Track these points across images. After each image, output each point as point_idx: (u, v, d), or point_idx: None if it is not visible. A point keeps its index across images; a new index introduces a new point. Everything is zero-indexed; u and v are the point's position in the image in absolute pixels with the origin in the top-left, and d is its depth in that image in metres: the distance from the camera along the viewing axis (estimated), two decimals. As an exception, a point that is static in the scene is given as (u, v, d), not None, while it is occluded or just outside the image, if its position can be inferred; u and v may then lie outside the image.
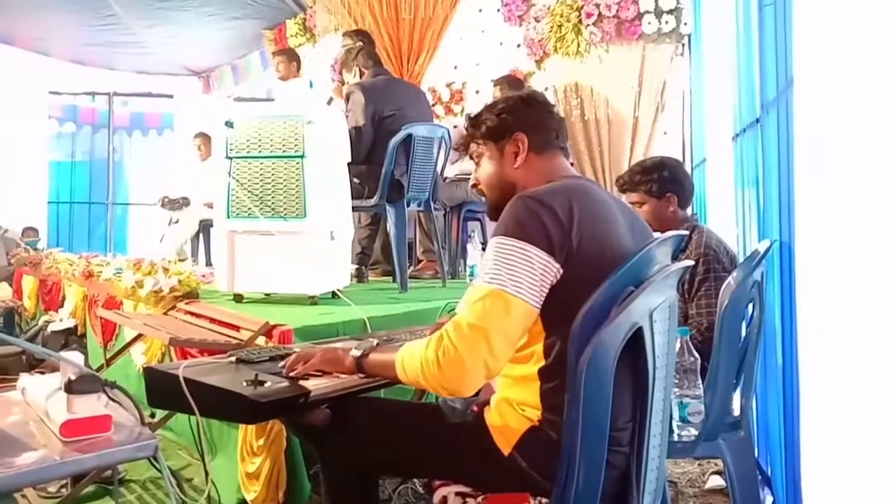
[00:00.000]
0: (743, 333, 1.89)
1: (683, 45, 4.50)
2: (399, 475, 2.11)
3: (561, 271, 1.25)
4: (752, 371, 1.91)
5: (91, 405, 1.10)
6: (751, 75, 2.38)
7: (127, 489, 2.39)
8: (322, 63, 6.57)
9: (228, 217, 2.74)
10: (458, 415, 1.48)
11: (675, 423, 1.83)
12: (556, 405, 1.25)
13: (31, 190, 7.94)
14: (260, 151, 2.69)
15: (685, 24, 4.41)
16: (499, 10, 5.27)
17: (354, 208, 3.27)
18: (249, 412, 1.35)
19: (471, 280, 3.36)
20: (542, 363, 1.30)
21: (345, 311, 2.51)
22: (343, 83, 4.12)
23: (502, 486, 1.34)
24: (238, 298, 2.81)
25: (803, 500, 1.78)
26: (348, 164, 3.11)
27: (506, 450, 1.32)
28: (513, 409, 1.35)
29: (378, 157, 3.43)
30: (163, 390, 1.45)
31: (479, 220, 4.84)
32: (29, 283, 5.23)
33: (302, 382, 1.43)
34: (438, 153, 3.69)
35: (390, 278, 4.03)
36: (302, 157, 2.66)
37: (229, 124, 2.71)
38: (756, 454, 2.24)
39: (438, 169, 3.78)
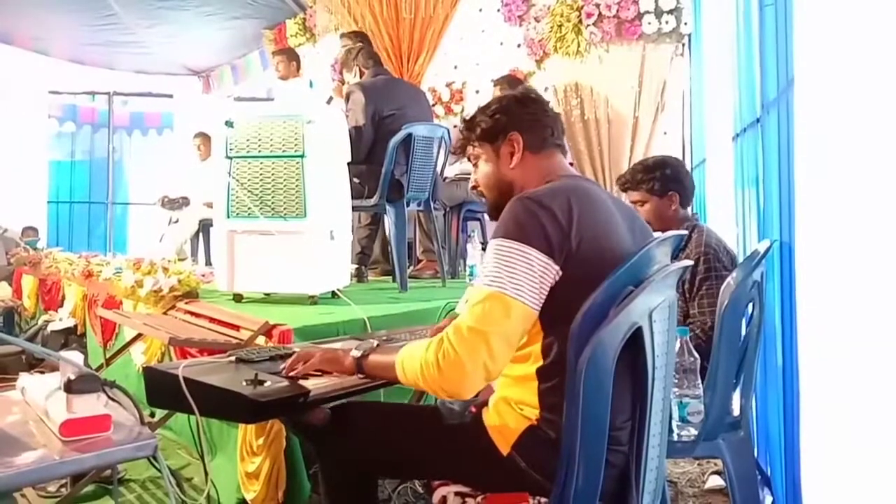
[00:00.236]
0: (743, 333, 1.89)
1: (683, 45, 4.50)
2: (398, 476, 2.11)
3: (560, 273, 1.25)
4: (751, 371, 1.91)
5: (90, 405, 1.10)
6: (751, 75, 2.38)
7: (126, 489, 2.39)
8: (322, 63, 6.57)
9: (228, 217, 2.74)
10: (457, 416, 1.48)
11: (674, 423, 1.83)
12: (555, 404, 1.25)
13: (30, 189, 7.94)
14: (260, 151, 2.69)
15: (685, 24, 4.40)
16: (499, 10, 5.27)
17: (354, 208, 3.27)
18: (249, 412, 1.35)
19: (470, 280, 3.36)
20: (541, 363, 1.31)
21: (344, 311, 2.51)
22: (343, 83, 4.12)
23: (501, 485, 1.35)
24: (238, 298, 2.81)
25: (803, 500, 1.78)
26: (348, 163, 3.11)
27: (504, 449, 1.32)
28: (511, 408, 1.35)
29: (378, 157, 3.43)
30: (162, 390, 1.45)
31: (478, 219, 4.84)
32: (28, 283, 5.23)
33: (301, 382, 1.43)
34: (438, 153, 3.69)
35: (390, 278, 4.03)
36: (302, 156, 2.65)
37: (229, 124, 2.71)
38: (756, 454, 2.24)
39: (438, 169, 3.78)
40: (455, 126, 4.56)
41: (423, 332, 2.03)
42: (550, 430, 1.28)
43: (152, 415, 2.41)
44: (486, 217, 4.66)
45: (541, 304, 1.25)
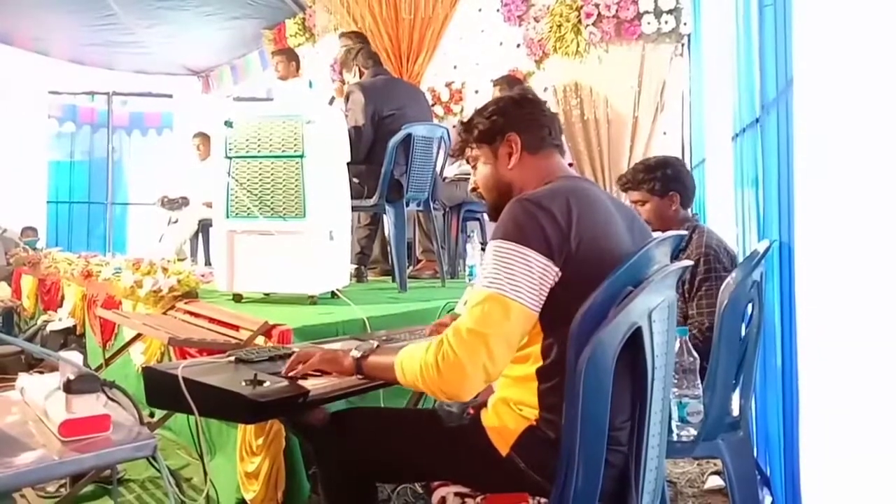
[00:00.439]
0: (742, 333, 1.89)
1: (683, 45, 4.50)
2: (398, 481, 2.11)
3: (560, 274, 1.25)
4: (751, 371, 1.91)
5: (90, 405, 1.10)
6: (750, 75, 2.38)
7: (126, 489, 2.39)
8: (321, 63, 6.57)
9: (228, 217, 2.74)
10: (455, 418, 1.48)
11: (674, 423, 1.83)
12: (554, 404, 1.25)
13: (30, 189, 7.93)
14: (259, 151, 2.69)
15: (685, 24, 4.40)
16: (498, 10, 5.27)
17: (354, 208, 3.27)
18: (248, 412, 1.35)
19: (470, 280, 3.36)
20: (540, 363, 1.31)
21: (344, 311, 2.51)
22: (344, 83, 4.12)
23: (501, 486, 1.35)
24: (237, 298, 2.81)
25: (802, 501, 1.78)
26: (348, 163, 3.11)
27: (503, 450, 1.32)
28: (510, 409, 1.35)
29: (377, 157, 3.43)
30: (162, 390, 1.45)
31: (478, 219, 4.84)
32: (28, 283, 5.23)
33: (301, 382, 1.43)
34: (438, 153, 3.69)
35: (389, 278, 4.03)
36: (301, 156, 2.65)
37: (228, 124, 2.71)
38: (755, 454, 2.24)
39: (438, 169, 3.78)
40: (454, 126, 4.57)
41: (422, 332, 2.03)
42: (549, 430, 1.28)
43: (151, 415, 2.41)
44: (486, 217, 4.67)
45: (540, 306, 1.25)
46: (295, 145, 2.66)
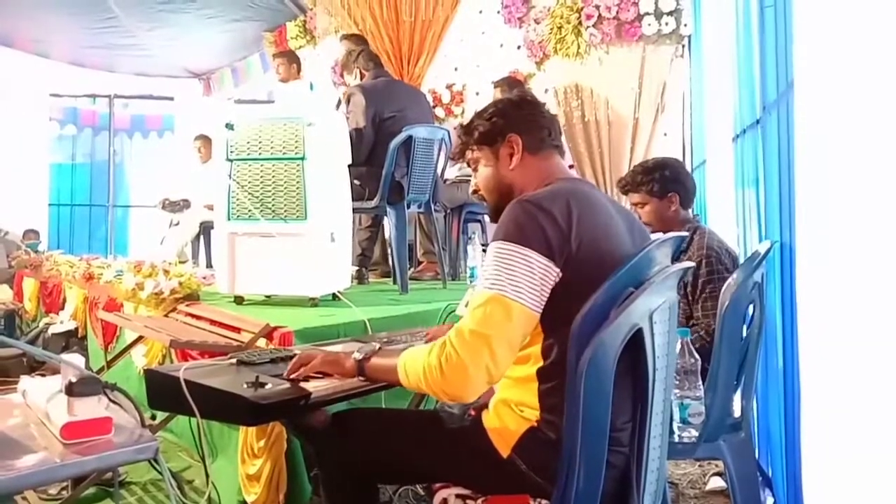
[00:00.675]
0: (743, 334, 1.89)
1: (683, 46, 4.50)
2: (399, 482, 2.11)
3: (560, 275, 1.25)
4: (752, 372, 1.91)
5: (92, 407, 1.10)
6: (751, 76, 2.38)
7: (127, 491, 2.39)
8: (322, 65, 6.58)
9: (229, 219, 2.74)
10: (456, 420, 1.48)
11: (675, 425, 1.83)
12: (555, 405, 1.25)
13: (31, 192, 7.94)
14: (260, 153, 2.69)
15: (685, 25, 4.40)
16: (499, 12, 5.27)
17: (355, 210, 3.27)
18: (250, 414, 1.35)
19: (471, 281, 3.36)
20: (541, 364, 1.31)
21: (345, 313, 2.51)
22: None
23: (502, 487, 1.35)
24: (238, 300, 2.81)
25: (804, 502, 1.78)
26: (349, 165, 3.12)
27: (504, 452, 1.32)
28: (511, 410, 1.35)
29: (378, 159, 3.43)
30: (163, 392, 1.45)
31: (479, 221, 4.84)
32: (30, 286, 5.24)
33: (302, 384, 1.43)
34: (439, 155, 3.69)
35: (390, 280, 4.03)
36: (302, 159, 2.66)
37: (230, 126, 2.71)
38: (757, 455, 2.23)
39: (439, 170, 3.78)
40: (455, 128, 4.57)
41: (424, 334, 2.03)
42: (550, 431, 1.28)
43: (153, 417, 2.41)
44: (487, 218, 4.67)
45: (542, 307, 1.25)
46: (296, 147, 2.66)
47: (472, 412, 1.48)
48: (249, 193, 2.70)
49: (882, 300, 1.20)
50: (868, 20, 1.26)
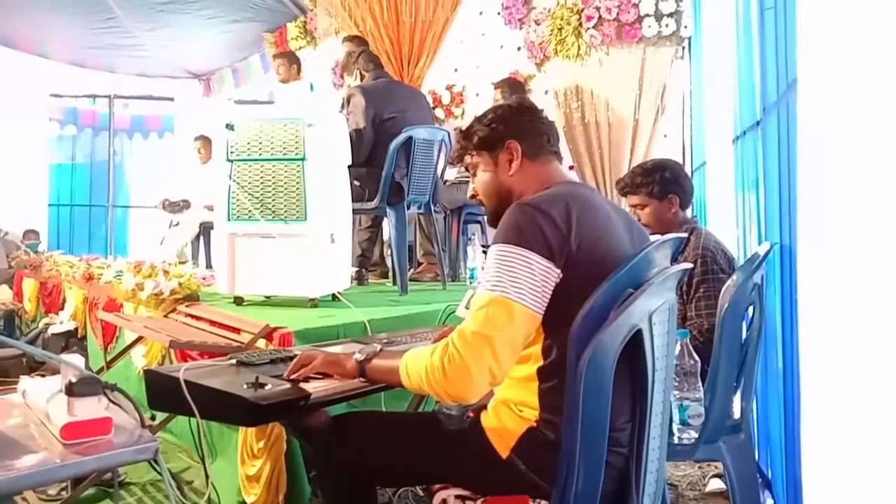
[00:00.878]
0: (743, 336, 1.89)
1: (683, 48, 4.51)
2: (399, 484, 2.11)
3: (561, 275, 1.26)
4: (752, 374, 1.91)
5: (91, 408, 1.10)
6: (751, 78, 2.38)
7: (127, 492, 2.39)
8: (322, 66, 6.58)
9: (229, 220, 2.74)
10: (455, 421, 1.48)
11: (675, 426, 1.83)
12: (554, 405, 1.25)
13: (31, 192, 7.94)
14: (260, 154, 2.70)
15: (685, 27, 4.41)
16: (499, 13, 5.28)
17: (355, 211, 3.27)
18: (249, 414, 1.35)
19: (471, 283, 3.36)
20: (541, 363, 1.31)
21: (345, 314, 2.51)
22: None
23: (501, 488, 1.35)
24: (238, 301, 2.81)
25: (804, 503, 1.78)
26: (348, 166, 3.12)
27: (504, 452, 1.33)
28: (510, 410, 1.35)
29: (378, 160, 3.43)
30: (163, 393, 1.45)
31: (479, 222, 4.85)
32: (29, 286, 5.23)
33: (302, 385, 1.43)
34: (439, 156, 3.69)
35: (390, 281, 4.03)
36: (302, 159, 2.66)
37: (230, 127, 2.71)
38: (756, 457, 2.23)
39: (439, 171, 3.78)
40: (455, 129, 4.58)
41: (424, 334, 2.03)
42: (550, 431, 1.28)
43: (153, 418, 2.41)
44: (487, 220, 4.67)
45: (544, 308, 1.26)
46: (296, 148, 2.66)
47: (471, 413, 1.48)
48: (249, 194, 2.70)
49: (883, 302, 1.20)
50: (873, 19, 1.26)
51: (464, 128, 1.57)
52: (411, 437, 1.48)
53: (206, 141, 6.01)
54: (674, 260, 1.45)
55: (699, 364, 1.86)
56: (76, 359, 1.17)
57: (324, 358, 1.49)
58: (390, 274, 4.08)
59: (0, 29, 7.03)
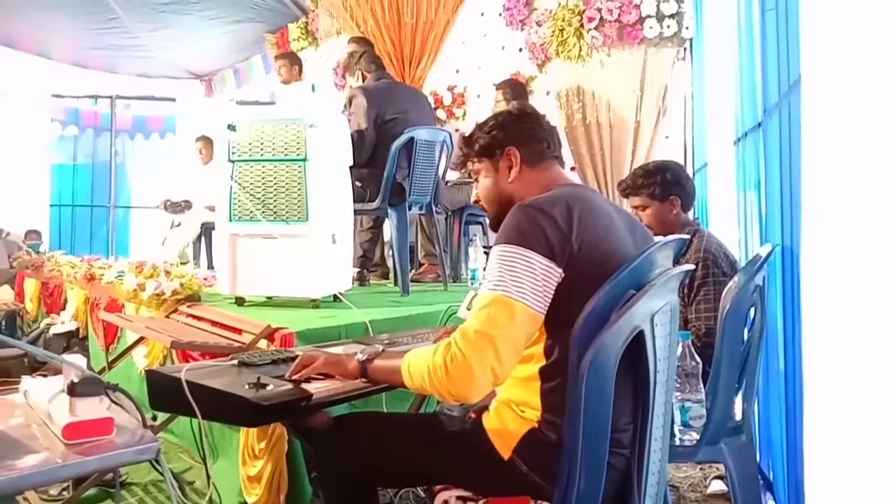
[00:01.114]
0: (745, 338, 1.89)
1: (685, 49, 4.50)
2: (400, 485, 2.11)
3: (563, 275, 1.26)
4: (753, 375, 1.91)
5: (93, 408, 1.10)
6: (752, 79, 2.38)
7: (128, 492, 2.39)
8: (324, 67, 6.59)
9: (230, 220, 2.74)
10: (457, 422, 1.49)
11: (676, 428, 1.83)
12: (556, 405, 1.26)
13: (33, 193, 7.95)
14: (262, 155, 2.70)
15: (687, 28, 4.40)
16: (501, 15, 5.28)
17: (356, 211, 3.27)
18: (251, 415, 1.35)
19: (472, 283, 3.36)
20: (543, 363, 1.32)
21: (346, 315, 2.51)
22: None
23: (503, 489, 1.35)
24: (240, 302, 2.81)
25: (805, 505, 1.78)
26: (350, 167, 3.12)
27: (505, 453, 1.33)
28: (512, 411, 1.35)
29: (380, 161, 3.43)
30: (165, 393, 1.45)
31: (480, 223, 4.85)
32: (31, 286, 5.24)
33: (304, 386, 1.43)
34: (440, 157, 3.70)
35: (391, 281, 4.03)
36: (304, 160, 2.66)
37: (231, 128, 2.71)
38: (758, 459, 2.23)
39: (440, 172, 3.78)
40: (457, 130, 4.59)
41: (425, 335, 2.03)
42: (551, 432, 1.29)
43: (154, 418, 2.41)
44: (488, 221, 4.67)
45: (546, 307, 1.26)
46: (297, 149, 2.66)
47: (473, 414, 1.48)
48: (251, 195, 2.70)
49: (887, 304, 1.20)
50: (877, 19, 1.26)
51: (466, 133, 1.60)
52: (413, 438, 1.48)
53: (207, 141, 6.02)
54: (676, 262, 1.45)
55: (701, 365, 1.86)
56: (78, 359, 1.17)
57: (325, 358, 1.49)
58: (391, 275, 4.08)
59: (2, 29, 7.04)
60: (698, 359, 1.86)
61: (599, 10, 4.57)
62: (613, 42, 4.58)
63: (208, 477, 2.19)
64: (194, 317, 2.74)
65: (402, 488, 2.20)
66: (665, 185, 2.36)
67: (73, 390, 1.09)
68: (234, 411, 1.38)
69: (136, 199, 8.72)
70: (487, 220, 4.60)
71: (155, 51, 7.79)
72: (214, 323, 2.56)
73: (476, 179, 1.60)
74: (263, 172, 2.70)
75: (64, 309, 4.42)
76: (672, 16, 4.39)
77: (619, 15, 4.50)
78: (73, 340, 4.13)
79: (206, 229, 5.57)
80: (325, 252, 2.74)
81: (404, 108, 3.69)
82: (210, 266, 5.19)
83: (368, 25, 5.85)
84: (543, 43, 4.97)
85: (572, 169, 4.71)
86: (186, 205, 5.88)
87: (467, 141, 1.58)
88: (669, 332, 1.31)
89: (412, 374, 1.33)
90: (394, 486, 2.10)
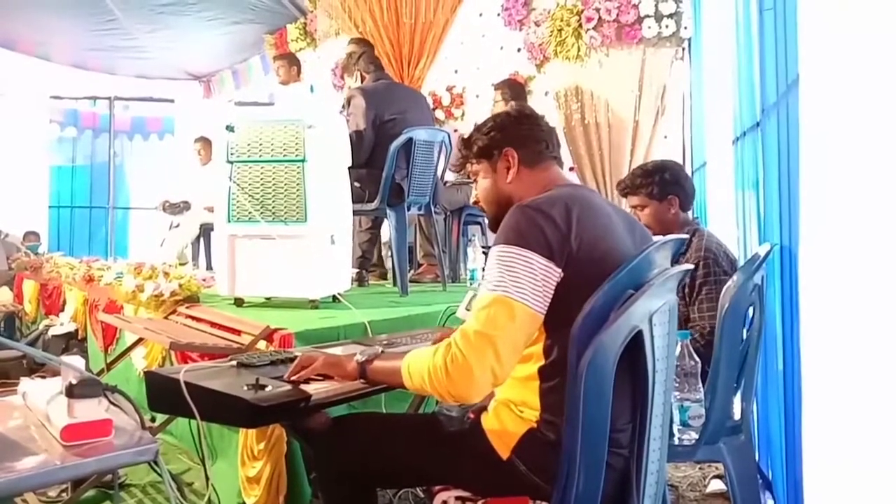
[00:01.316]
0: (743, 337, 1.89)
1: (683, 49, 4.50)
2: (399, 486, 2.11)
3: (562, 275, 1.26)
4: (752, 374, 1.91)
5: (92, 409, 1.10)
6: (751, 79, 2.38)
7: (127, 493, 2.39)
8: (323, 67, 6.59)
9: (229, 221, 2.74)
10: (455, 422, 1.49)
11: (675, 427, 1.83)
12: (555, 404, 1.26)
13: (32, 194, 7.96)
14: (261, 155, 2.70)
15: (685, 28, 4.40)
16: (499, 15, 5.28)
17: (355, 212, 3.27)
18: (250, 416, 1.35)
19: (471, 284, 3.36)
20: (542, 362, 1.32)
21: (345, 315, 2.51)
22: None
23: (502, 489, 1.35)
24: (239, 302, 2.81)
25: (804, 504, 1.78)
26: (349, 167, 3.12)
27: (504, 453, 1.33)
28: (511, 411, 1.36)
29: (379, 161, 3.43)
30: (164, 394, 1.45)
31: (479, 223, 4.85)
32: (30, 288, 5.23)
33: (303, 387, 1.43)
34: (439, 157, 3.70)
35: (390, 282, 4.03)
36: (302, 161, 2.66)
37: (230, 128, 2.71)
38: (757, 458, 2.23)
39: (439, 173, 3.78)
40: (455, 130, 4.59)
41: (424, 336, 2.03)
42: (550, 432, 1.29)
43: (153, 419, 2.41)
44: (487, 221, 4.67)
45: (545, 307, 1.26)
46: (296, 149, 2.66)
47: (472, 415, 1.48)
48: (250, 195, 2.70)
49: (886, 303, 1.20)
50: (875, 18, 1.26)
51: (465, 133, 1.61)
52: (412, 439, 1.48)
53: (206, 142, 6.02)
54: (676, 261, 1.45)
55: (699, 365, 1.86)
56: (76, 360, 1.17)
57: (324, 359, 1.49)
58: (390, 275, 4.08)
59: (1, 31, 7.04)
60: (697, 358, 1.86)
61: (598, 10, 4.57)
62: (612, 42, 4.58)
63: (207, 478, 2.19)
64: (193, 318, 2.74)
65: (402, 489, 2.20)
66: (664, 184, 2.37)
67: (72, 392, 1.09)
68: (232, 412, 1.38)
69: (134, 201, 8.72)
70: (486, 221, 4.63)
71: (153, 52, 7.79)
72: (213, 324, 2.56)
73: (475, 180, 1.60)
74: (262, 173, 2.70)
75: (62, 310, 4.41)
76: (670, 15, 4.40)
77: (617, 15, 4.50)
78: (72, 342, 4.13)
79: (205, 230, 5.57)
80: (323, 253, 2.73)
81: (403, 109, 3.69)
82: (209, 267, 5.19)
83: (367, 26, 5.85)
84: (542, 43, 4.97)
85: (571, 169, 4.71)
86: (185, 206, 5.87)
87: (466, 142, 1.59)
88: (668, 331, 1.32)
89: (412, 375, 1.33)
90: (393, 486, 2.10)
